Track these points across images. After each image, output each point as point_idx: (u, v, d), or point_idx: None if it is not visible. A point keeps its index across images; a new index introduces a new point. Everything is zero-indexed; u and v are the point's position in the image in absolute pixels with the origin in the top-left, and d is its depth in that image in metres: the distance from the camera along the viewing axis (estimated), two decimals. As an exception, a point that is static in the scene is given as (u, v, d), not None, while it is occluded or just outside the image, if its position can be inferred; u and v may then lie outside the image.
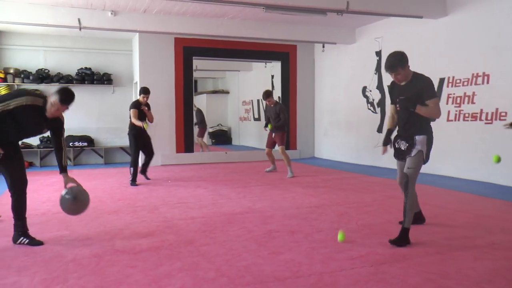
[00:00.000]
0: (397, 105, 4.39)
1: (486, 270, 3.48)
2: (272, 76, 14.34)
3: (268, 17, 9.79)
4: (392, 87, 4.57)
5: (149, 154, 8.43)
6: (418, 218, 4.85)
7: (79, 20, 9.01)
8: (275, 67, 13.51)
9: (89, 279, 3.35)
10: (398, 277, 3.34)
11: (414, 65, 9.15)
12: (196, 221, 5.20)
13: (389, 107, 9.92)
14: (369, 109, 10.91)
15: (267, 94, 9.13)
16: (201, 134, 13.86)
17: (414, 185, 4.25)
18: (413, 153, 4.23)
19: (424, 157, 4.26)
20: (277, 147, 9.18)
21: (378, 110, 10.59)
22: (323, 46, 12.25)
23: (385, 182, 8.04)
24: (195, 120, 13.09)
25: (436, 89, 8.66)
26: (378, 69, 10.56)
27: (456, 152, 8.36)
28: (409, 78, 4.27)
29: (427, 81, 4.24)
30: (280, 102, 12.60)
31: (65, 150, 4.47)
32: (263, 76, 15.25)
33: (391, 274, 3.38)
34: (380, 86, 10.50)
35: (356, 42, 11.37)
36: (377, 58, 10.58)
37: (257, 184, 8.00)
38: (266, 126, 9.38)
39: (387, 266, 3.57)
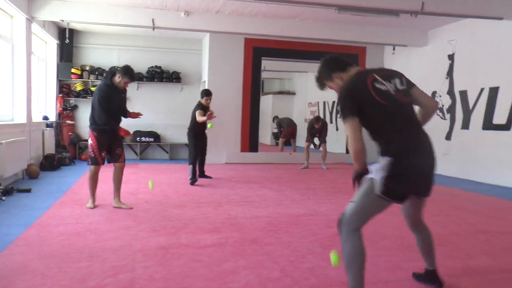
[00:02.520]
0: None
1: None
2: (340, 78, 14.15)
3: (340, 19, 9.68)
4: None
5: (203, 154, 8.38)
6: (432, 279, 3.27)
7: (153, 20, 9.32)
8: (343, 69, 13.31)
9: (156, 269, 3.45)
10: (470, 292, 3.19)
11: (491, 70, 8.85)
12: (261, 220, 5.23)
13: (459, 113, 9.63)
14: (438, 114, 10.52)
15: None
16: (285, 135, 13.60)
17: (351, 231, 2.85)
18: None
19: (380, 189, 2.72)
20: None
21: (447, 116, 10.19)
22: (394, 49, 11.94)
23: (452, 192, 7.72)
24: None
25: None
26: (449, 73, 10.16)
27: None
28: None
29: (340, 92, 2.87)
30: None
31: None
32: (330, 78, 15.08)
33: (462, 289, 3.24)
34: (451, 91, 10.10)
35: (428, 45, 11.00)
36: (450, 62, 10.18)
37: (321, 187, 7.94)
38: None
39: (457, 280, 3.42)
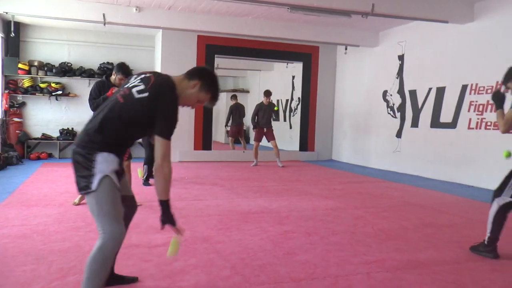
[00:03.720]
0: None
1: (506, 282, 3.42)
2: (293, 77, 14.31)
3: (292, 18, 9.77)
4: None
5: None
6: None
7: (103, 15, 9.10)
8: (296, 67, 13.47)
9: (105, 270, 3.37)
10: (415, 284, 3.30)
11: (438, 71, 9.17)
12: (212, 218, 5.22)
13: (409, 112, 9.95)
14: (389, 113, 10.81)
15: (270, 93, 10.76)
16: (235, 133, 13.49)
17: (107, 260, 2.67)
18: (94, 184, 2.53)
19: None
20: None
21: (398, 115, 10.49)
22: (346, 49, 12.16)
23: (403, 188, 7.96)
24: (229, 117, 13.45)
25: (458, 95, 8.67)
26: (400, 73, 10.46)
27: (476, 160, 8.24)
28: None
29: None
30: (300, 103, 12.69)
31: None
32: (284, 76, 15.22)
33: (407, 281, 3.34)
34: (401, 91, 10.39)
35: (379, 46, 11.28)
36: (400, 62, 10.47)
37: (273, 184, 7.99)
38: (255, 127, 10.80)
39: (403, 272, 3.53)
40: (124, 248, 3.87)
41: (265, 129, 10.71)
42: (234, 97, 14.01)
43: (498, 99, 4.00)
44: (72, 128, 11.60)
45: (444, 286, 3.27)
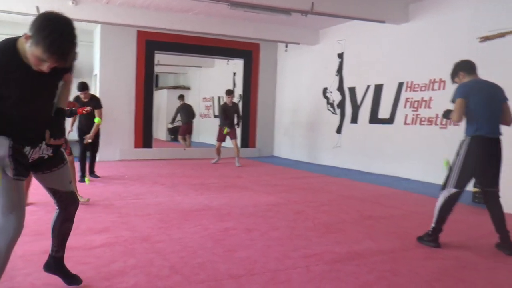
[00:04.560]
0: None
1: (436, 269, 3.58)
2: (234, 74, 14.32)
3: (233, 15, 9.74)
4: None
5: (93, 151, 8.01)
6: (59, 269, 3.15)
7: (37, 7, 8.68)
8: (237, 64, 13.48)
9: (38, 276, 3.22)
10: (352, 275, 3.38)
11: (375, 69, 9.46)
12: (152, 217, 5.12)
13: (348, 108, 10.21)
14: (329, 110, 11.04)
15: (232, 91, 10.76)
16: (185, 131, 13.58)
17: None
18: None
19: None
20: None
21: (338, 111, 10.73)
22: (286, 46, 12.31)
23: (343, 182, 8.16)
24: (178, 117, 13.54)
25: (395, 92, 8.99)
26: (339, 71, 10.69)
27: (412, 154, 8.56)
28: None
29: None
30: (241, 100, 12.72)
31: None
32: (225, 73, 15.20)
33: (345, 272, 3.43)
34: (340, 88, 10.63)
35: (319, 44, 11.47)
36: (339, 60, 10.70)
37: (215, 182, 7.96)
38: (223, 126, 10.56)
39: (341, 264, 3.61)
40: (59, 251, 3.74)
41: (228, 130, 10.62)
42: (181, 97, 14.20)
43: (448, 113, 4.52)
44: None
45: (380, 275, 3.38)
